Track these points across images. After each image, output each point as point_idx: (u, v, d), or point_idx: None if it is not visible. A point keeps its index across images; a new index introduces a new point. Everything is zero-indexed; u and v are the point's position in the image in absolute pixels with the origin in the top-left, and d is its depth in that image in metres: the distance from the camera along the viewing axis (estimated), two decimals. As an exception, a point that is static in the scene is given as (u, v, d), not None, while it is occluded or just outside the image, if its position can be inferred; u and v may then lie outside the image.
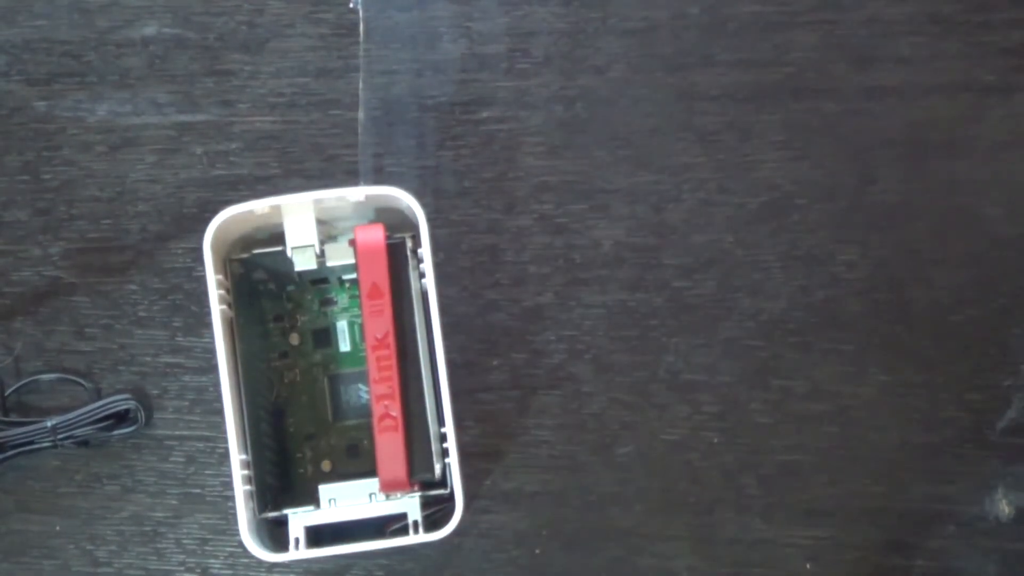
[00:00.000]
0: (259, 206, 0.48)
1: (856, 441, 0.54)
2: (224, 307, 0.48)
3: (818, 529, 0.54)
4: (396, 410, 0.46)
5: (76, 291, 0.55)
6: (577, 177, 0.56)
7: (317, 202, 0.49)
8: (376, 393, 0.46)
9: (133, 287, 0.55)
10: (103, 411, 0.53)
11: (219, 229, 0.47)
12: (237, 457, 0.47)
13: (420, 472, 0.47)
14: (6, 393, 0.53)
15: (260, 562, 0.48)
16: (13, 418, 0.53)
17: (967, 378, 0.55)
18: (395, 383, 0.46)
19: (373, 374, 0.46)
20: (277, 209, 0.48)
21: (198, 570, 0.54)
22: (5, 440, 0.52)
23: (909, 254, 0.55)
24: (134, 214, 0.55)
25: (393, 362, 0.46)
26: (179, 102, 0.55)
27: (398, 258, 0.48)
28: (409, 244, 0.48)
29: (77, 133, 0.55)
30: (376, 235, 0.47)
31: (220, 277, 0.48)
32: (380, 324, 0.47)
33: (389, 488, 0.47)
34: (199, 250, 0.47)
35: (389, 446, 0.46)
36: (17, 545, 0.54)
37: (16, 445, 0.52)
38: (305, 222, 0.49)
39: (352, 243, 0.48)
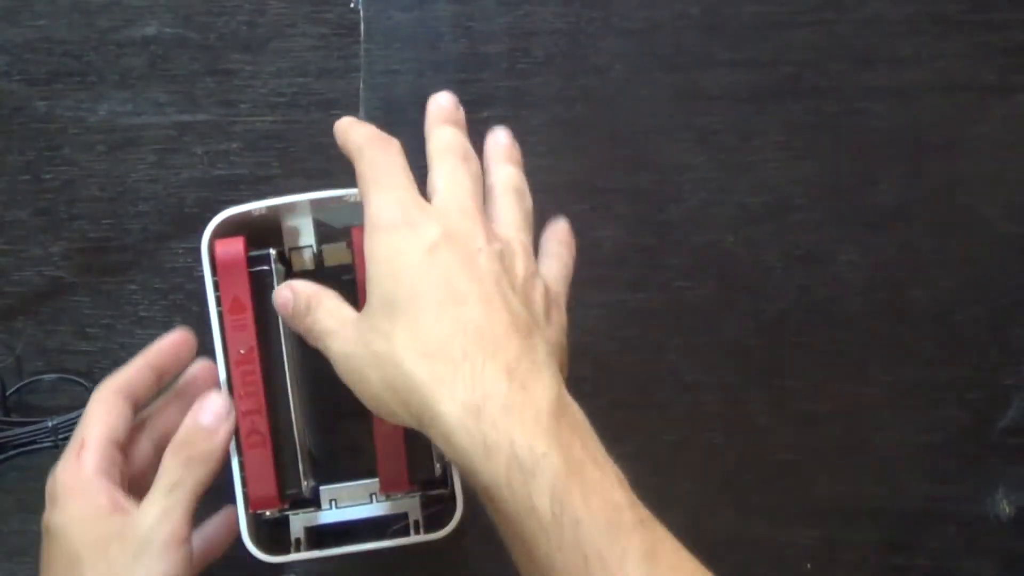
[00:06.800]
0: (256, 208, 0.48)
1: (856, 441, 0.54)
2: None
3: (818, 529, 0.54)
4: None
5: (77, 291, 0.55)
6: (578, 177, 0.55)
7: (315, 203, 0.49)
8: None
9: (134, 287, 0.55)
10: (104, 411, 0.53)
11: (218, 229, 0.47)
12: (237, 458, 0.47)
13: (420, 472, 0.47)
14: (7, 393, 0.53)
15: (261, 563, 0.48)
16: (14, 418, 0.53)
17: (967, 378, 0.55)
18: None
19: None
20: (276, 210, 0.48)
21: (199, 570, 0.54)
22: (6, 440, 0.52)
23: (909, 254, 0.55)
24: (135, 214, 0.55)
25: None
26: (180, 102, 0.55)
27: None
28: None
29: (78, 133, 0.55)
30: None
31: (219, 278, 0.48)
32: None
33: (390, 488, 0.47)
34: (199, 250, 0.47)
35: (391, 446, 0.47)
36: (18, 545, 0.54)
37: (17, 445, 0.52)
38: (303, 223, 0.49)
39: (350, 244, 0.48)
